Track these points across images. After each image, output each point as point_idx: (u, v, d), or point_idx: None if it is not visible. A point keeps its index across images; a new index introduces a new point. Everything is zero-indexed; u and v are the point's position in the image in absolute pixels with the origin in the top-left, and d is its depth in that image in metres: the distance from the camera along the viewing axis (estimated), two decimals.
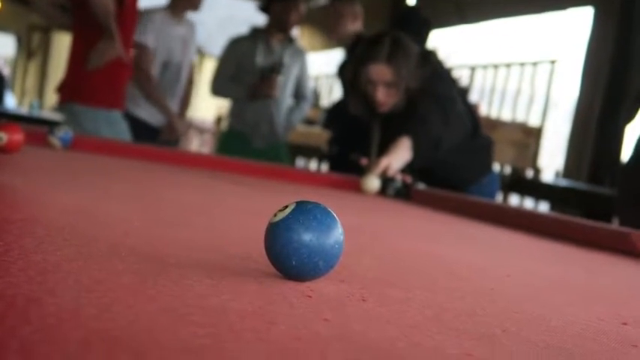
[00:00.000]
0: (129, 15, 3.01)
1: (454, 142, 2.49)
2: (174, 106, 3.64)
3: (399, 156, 2.28)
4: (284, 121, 3.72)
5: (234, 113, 3.76)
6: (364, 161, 2.39)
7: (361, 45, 2.56)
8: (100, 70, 2.91)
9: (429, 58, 2.53)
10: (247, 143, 3.66)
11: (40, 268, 0.52)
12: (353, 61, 2.59)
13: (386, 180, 2.22)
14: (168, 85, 3.60)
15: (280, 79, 3.60)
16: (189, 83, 3.85)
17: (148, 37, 3.39)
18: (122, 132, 3.06)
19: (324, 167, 5.70)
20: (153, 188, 1.47)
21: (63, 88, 3.04)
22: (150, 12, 3.46)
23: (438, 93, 2.46)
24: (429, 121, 2.37)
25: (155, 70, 3.52)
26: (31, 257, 0.56)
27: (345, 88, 3.39)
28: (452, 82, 2.66)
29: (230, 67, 3.68)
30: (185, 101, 3.78)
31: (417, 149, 2.31)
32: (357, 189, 2.23)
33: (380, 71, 2.42)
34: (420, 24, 3.00)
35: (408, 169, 2.37)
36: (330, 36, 3.45)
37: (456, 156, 2.57)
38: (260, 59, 3.62)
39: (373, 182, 2.18)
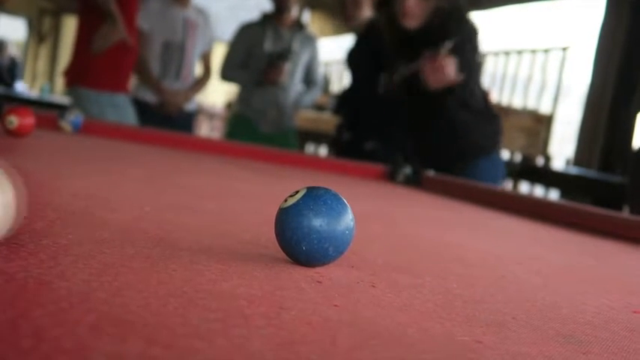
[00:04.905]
0: None
1: (474, 99, 2.49)
2: (180, 87, 3.61)
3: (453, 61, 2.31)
4: (292, 106, 3.71)
5: (242, 99, 3.75)
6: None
7: None
8: (104, 54, 2.92)
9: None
10: (255, 128, 3.66)
11: (50, 251, 0.52)
12: None
13: (396, 166, 2.21)
14: (171, 65, 3.57)
15: (288, 66, 3.59)
16: (207, 71, 3.82)
17: (142, 21, 3.37)
18: (128, 115, 3.06)
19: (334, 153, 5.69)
20: (164, 173, 1.47)
21: (68, 72, 3.06)
22: None
23: (467, 57, 2.45)
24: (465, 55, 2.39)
25: (155, 51, 3.51)
26: (41, 241, 0.56)
27: (353, 74, 3.37)
28: (477, 51, 2.64)
29: (239, 53, 3.67)
30: (195, 86, 3.74)
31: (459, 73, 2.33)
32: (369, 175, 2.23)
33: None
34: None
35: (415, 155, 2.35)
36: (347, 23, 3.42)
37: (472, 117, 2.54)
38: (269, 45, 3.61)
39: None
